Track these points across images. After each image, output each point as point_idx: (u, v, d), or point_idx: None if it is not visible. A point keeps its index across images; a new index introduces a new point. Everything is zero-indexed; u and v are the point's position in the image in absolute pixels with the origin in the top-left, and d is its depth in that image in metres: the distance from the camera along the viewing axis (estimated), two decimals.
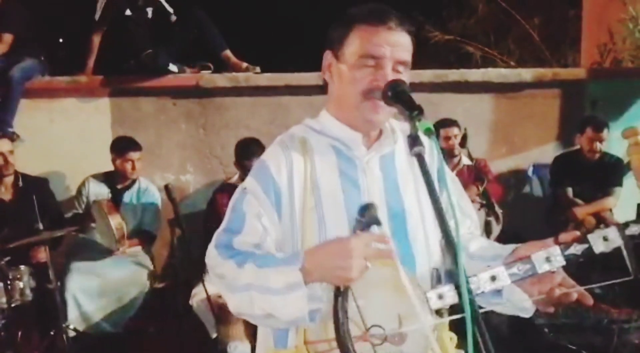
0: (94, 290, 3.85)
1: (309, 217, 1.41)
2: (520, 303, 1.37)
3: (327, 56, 1.46)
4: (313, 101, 4.69)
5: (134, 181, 4.18)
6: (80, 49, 4.84)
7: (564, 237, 1.35)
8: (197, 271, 3.64)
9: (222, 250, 1.39)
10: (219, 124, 4.72)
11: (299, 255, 1.27)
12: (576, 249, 1.31)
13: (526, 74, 4.95)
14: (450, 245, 1.12)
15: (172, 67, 4.51)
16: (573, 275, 1.36)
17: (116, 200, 4.07)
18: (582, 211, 4.30)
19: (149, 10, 4.67)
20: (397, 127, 1.54)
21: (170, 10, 4.64)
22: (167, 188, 3.46)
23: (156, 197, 4.22)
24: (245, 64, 4.73)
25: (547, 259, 1.32)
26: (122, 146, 4.12)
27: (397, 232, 1.42)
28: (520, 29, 9.55)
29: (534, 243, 1.37)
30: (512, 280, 1.30)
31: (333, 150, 1.46)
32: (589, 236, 1.31)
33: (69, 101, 4.63)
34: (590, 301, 1.32)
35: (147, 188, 4.21)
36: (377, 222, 1.21)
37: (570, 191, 4.41)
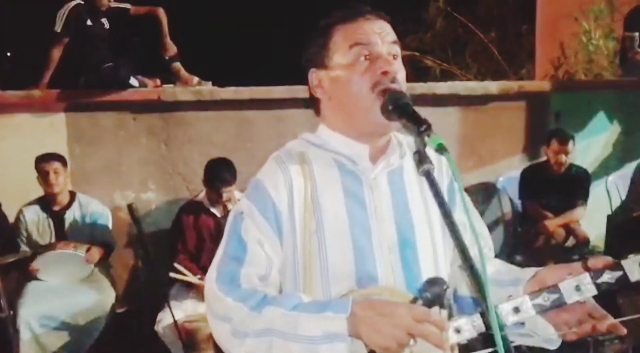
0: (51, 317, 3.61)
1: (310, 242, 1.28)
2: (546, 335, 1.27)
3: (312, 75, 1.36)
4: (279, 115, 4.60)
5: (72, 199, 3.96)
6: (32, 62, 4.61)
7: (593, 262, 1.24)
8: (162, 294, 3.48)
9: (226, 287, 1.25)
10: (182, 139, 4.56)
11: (345, 303, 1.15)
12: (609, 277, 1.21)
13: (492, 86, 4.98)
14: (474, 277, 1.02)
15: (133, 81, 4.33)
16: None
17: (58, 224, 3.87)
18: (552, 223, 4.31)
19: (105, 21, 4.50)
20: (403, 140, 1.42)
21: (128, 6, 4.48)
22: (130, 208, 3.29)
23: (100, 209, 4.03)
24: (196, 79, 4.60)
25: (577, 288, 1.21)
26: (43, 159, 3.86)
27: (407, 255, 1.31)
28: (477, 43, 9.70)
29: (556, 267, 1.28)
30: (537, 311, 1.20)
31: (336, 165, 1.34)
32: (623, 262, 1.21)
33: (22, 117, 4.38)
34: (623, 331, 1.22)
35: (88, 203, 4.01)
36: (442, 303, 1.11)
37: (539, 203, 4.43)
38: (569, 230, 4.36)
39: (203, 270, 3.57)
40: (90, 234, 3.93)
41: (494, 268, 1.40)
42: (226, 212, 3.69)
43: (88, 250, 3.73)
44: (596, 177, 4.79)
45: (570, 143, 4.32)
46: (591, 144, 5.04)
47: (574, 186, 4.40)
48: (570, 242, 4.35)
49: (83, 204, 3.99)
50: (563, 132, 4.38)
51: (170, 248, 3.78)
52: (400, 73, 1.32)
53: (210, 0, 5.00)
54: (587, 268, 1.24)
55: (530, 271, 1.30)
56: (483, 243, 1.46)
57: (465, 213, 1.10)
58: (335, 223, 1.29)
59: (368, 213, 1.30)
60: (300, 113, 4.62)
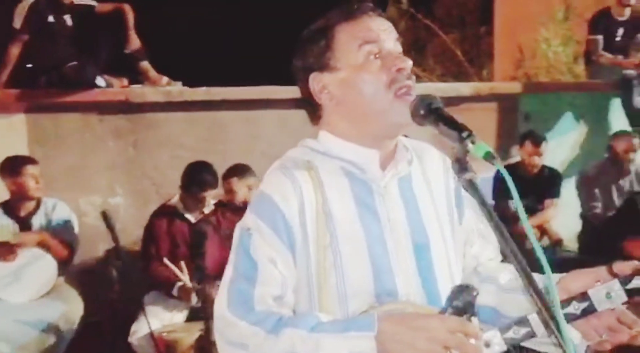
0: (14, 333, 3.40)
1: (325, 257, 1.20)
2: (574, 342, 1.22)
3: (314, 80, 1.26)
4: (252, 117, 4.52)
5: (38, 204, 3.75)
6: None
7: (619, 267, 1.22)
8: (136, 304, 3.33)
9: (239, 310, 1.17)
10: (151, 142, 4.40)
11: (369, 319, 1.09)
12: (637, 282, 1.18)
13: (464, 88, 5.01)
14: (541, 300, 0.98)
15: (100, 81, 4.15)
16: None
17: (24, 230, 3.64)
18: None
19: (68, 17, 4.29)
20: (409, 144, 1.36)
21: (94, 3, 4.29)
22: (104, 215, 3.13)
23: (67, 213, 3.83)
24: (165, 79, 4.46)
25: (607, 295, 1.18)
26: (16, 163, 3.65)
27: (423, 265, 1.26)
28: (438, 44, 9.80)
29: (579, 273, 1.25)
30: (568, 321, 1.16)
31: (344, 173, 1.26)
32: None
33: None
34: None
35: (55, 205, 3.81)
36: (473, 311, 1.06)
37: (512, 204, 4.46)
38: (543, 230, 4.41)
39: (178, 277, 3.44)
40: (56, 238, 3.73)
41: (509, 275, 1.36)
42: (202, 218, 3.57)
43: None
44: (565, 177, 4.87)
45: (544, 144, 4.38)
46: (559, 145, 5.12)
47: (546, 187, 4.46)
48: (544, 242, 4.40)
49: (49, 209, 3.79)
50: (536, 134, 4.43)
51: (142, 254, 3.64)
52: None
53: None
54: (613, 274, 1.22)
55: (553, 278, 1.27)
56: (491, 247, 1.43)
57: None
58: (350, 236, 1.22)
59: (382, 223, 1.25)
60: (273, 114, 4.55)
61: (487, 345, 1.15)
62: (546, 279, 0.99)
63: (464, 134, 1.10)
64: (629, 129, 4.92)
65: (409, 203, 1.29)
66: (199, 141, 4.44)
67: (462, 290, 1.09)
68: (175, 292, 3.39)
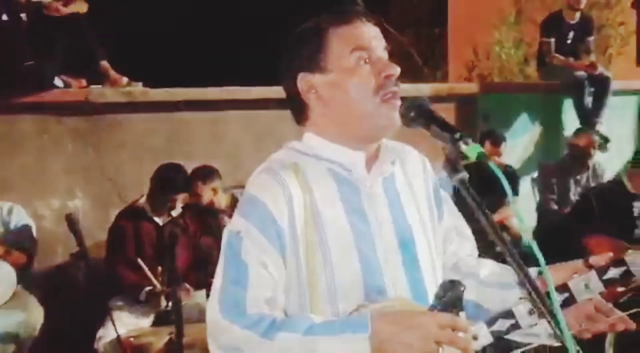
0: None
1: (315, 258, 1.22)
2: (550, 331, 1.27)
3: (303, 80, 1.28)
4: (217, 117, 4.49)
5: None
6: None
7: (595, 259, 1.29)
8: (102, 309, 3.26)
9: (231, 314, 1.17)
10: (112, 144, 4.31)
11: (362, 320, 1.11)
12: (614, 273, 1.26)
13: (424, 88, 5.09)
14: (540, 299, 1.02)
15: (57, 82, 4.04)
16: None
17: None
18: None
19: (23, 16, 4.15)
20: (390, 145, 1.38)
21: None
22: (69, 219, 3.04)
23: (24, 216, 3.73)
24: (125, 79, 4.36)
25: (586, 286, 1.26)
26: None
27: (409, 263, 1.29)
28: (394, 46, 9.90)
29: (558, 266, 1.32)
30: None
31: (330, 175, 1.28)
32: (627, 258, 1.27)
33: None
34: (632, 326, 1.27)
35: (12, 210, 3.70)
36: (461, 306, 1.10)
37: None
38: (503, 227, 4.53)
39: (145, 280, 3.38)
40: (14, 244, 3.59)
41: (489, 269, 1.41)
42: (170, 220, 3.52)
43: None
44: (521, 175, 5.02)
45: (503, 144, 4.50)
46: (516, 144, 5.27)
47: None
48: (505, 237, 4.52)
49: (5, 213, 3.67)
50: (496, 134, 4.55)
51: (107, 257, 3.56)
52: None
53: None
54: (589, 266, 1.29)
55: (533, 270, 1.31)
56: (469, 244, 1.48)
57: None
58: (339, 237, 1.24)
59: (369, 223, 1.27)
60: (238, 115, 4.52)
61: (475, 338, 1.19)
62: (544, 272, 1.04)
63: (457, 135, 1.15)
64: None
65: (394, 202, 1.32)
66: (162, 142, 4.37)
67: (450, 285, 1.12)
68: (142, 296, 3.33)
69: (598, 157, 5.10)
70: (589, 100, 5.40)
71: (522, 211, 4.69)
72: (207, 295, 2.93)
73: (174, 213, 3.55)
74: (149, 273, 3.22)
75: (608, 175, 5.02)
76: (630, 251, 1.30)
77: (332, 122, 1.29)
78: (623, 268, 1.26)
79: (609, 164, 5.44)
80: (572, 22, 5.62)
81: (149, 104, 4.32)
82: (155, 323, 3.42)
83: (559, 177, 4.78)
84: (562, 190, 4.78)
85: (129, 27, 4.79)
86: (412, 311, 1.17)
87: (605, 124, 5.42)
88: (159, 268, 3.21)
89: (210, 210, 3.72)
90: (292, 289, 1.23)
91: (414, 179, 1.38)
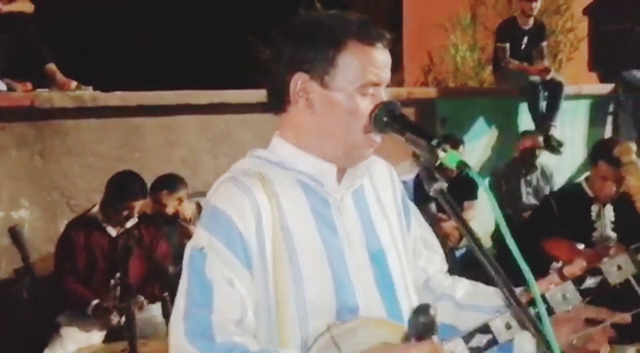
0: None
1: (284, 274, 1.15)
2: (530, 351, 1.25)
3: (299, 80, 1.19)
4: (171, 123, 4.34)
5: None
6: None
7: (570, 270, 1.27)
8: (50, 326, 3.10)
9: (199, 342, 1.08)
10: (60, 150, 4.11)
11: None
12: (591, 282, 1.24)
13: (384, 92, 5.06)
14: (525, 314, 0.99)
15: (1, 85, 3.83)
16: None
17: None
18: (448, 225, 4.47)
19: None
20: None
21: None
22: (12, 232, 2.87)
23: None
24: (74, 83, 4.19)
25: (564, 297, 1.23)
26: None
27: (381, 278, 1.25)
28: None
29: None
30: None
31: (300, 186, 1.22)
32: (602, 267, 1.25)
33: None
34: (628, 319, 1.25)
35: None
36: (435, 329, 1.05)
37: (433, 207, 4.56)
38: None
39: (96, 293, 3.23)
40: None
41: (463, 289, 1.38)
42: (124, 231, 3.37)
43: None
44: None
45: (461, 147, 4.52)
46: (473, 148, 5.31)
47: (465, 189, 4.60)
48: (464, 242, 4.54)
49: None
50: (454, 138, 4.58)
51: (56, 269, 3.38)
52: None
53: None
54: (564, 277, 1.27)
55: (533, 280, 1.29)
56: (438, 257, 1.45)
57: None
58: (310, 251, 1.18)
59: (339, 237, 1.22)
60: (194, 120, 4.40)
61: None
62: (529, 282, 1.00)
63: (434, 142, 1.10)
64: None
65: (363, 215, 1.28)
66: (113, 149, 4.21)
67: (422, 310, 1.08)
68: (89, 311, 3.17)
69: (547, 159, 5.22)
70: (543, 105, 5.50)
71: (481, 215, 4.80)
72: (163, 308, 2.85)
73: (129, 223, 3.39)
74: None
75: (558, 177, 5.16)
76: (606, 259, 1.27)
77: (311, 133, 1.22)
78: (599, 278, 1.24)
79: (561, 166, 5.57)
80: (526, 27, 5.72)
81: (100, 108, 4.14)
82: (108, 339, 3.26)
83: (510, 178, 4.91)
84: (514, 191, 4.88)
85: (78, 28, 4.59)
86: (390, 347, 1.11)
87: (558, 128, 5.52)
88: (111, 281, 3.05)
89: (172, 221, 3.60)
90: (260, 308, 1.16)
91: (382, 190, 1.34)
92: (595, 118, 6.06)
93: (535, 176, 5.00)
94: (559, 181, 5.14)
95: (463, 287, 1.38)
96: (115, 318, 3.15)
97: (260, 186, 1.18)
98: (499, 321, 1.18)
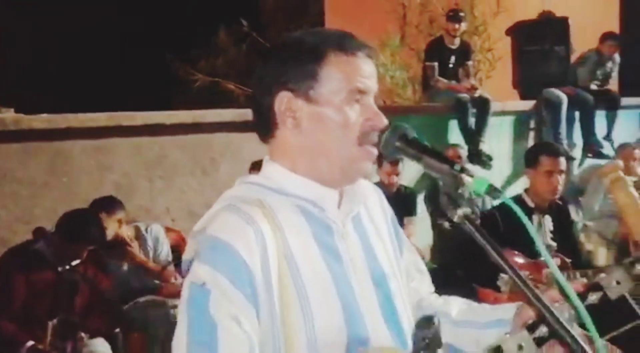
0: None
1: (291, 308, 1.09)
2: None
3: (283, 99, 1.14)
4: (102, 146, 4.16)
5: None
6: None
7: (524, 315, 1.22)
8: None
9: None
10: None
11: None
12: (593, 298, 1.23)
13: None
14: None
15: None
16: None
17: None
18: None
19: None
20: None
21: None
22: None
23: None
24: None
25: (519, 347, 1.16)
26: None
27: (385, 305, 1.21)
28: None
29: (525, 305, 1.25)
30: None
31: (300, 212, 1.16)
32: (602, 282, 1.24)
33: None
34: None
35: None
36: (440, 343, 1.00)
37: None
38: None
39: (31, 333, 2.93)
40: None
41: (457, 307, 1.35)
42: (69, 267, 3.07)
43: None
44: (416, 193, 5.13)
45: (400, 164, 4.56)
46: (408, 163, 5.38)
47: (404, 205, 4.64)
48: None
49: None
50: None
51: None
52: None
53: (12, 17, 4.30)
54: (522, 322, 1.21)
55: (507, 309, 1.26)
56: (427, 279, 1.44)
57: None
58: (318, 282, 1.12)
59: (344, 264, 1.17)
60: (126, 142, 4.20)
61: None
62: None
63: (457, 167, 1.07)
64: (464, 146, 5.39)
65: (363, 239, 1.24)
66: (39, 174, 3.97)
67: (425, 324, 1.03)
68: None
69: (477, 173, 5.36)
70: (472, 121, 5.67)
71: (420, 230, 4.86)
72: (112, 345, 2.65)
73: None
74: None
75: None
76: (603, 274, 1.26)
77: (303, 155, 1.17)
78: (600, 294, 1.23)
79: (490, 179, 5.72)
80: (453, 47, 5.91)
81: (24, 132, 3.90)
82: None
83: (439, 191, 4.97)
84: (446, 203, 5.00)
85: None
86: None
87: (486, 143, 5.71)
88: (54, 320, 2.78)
89: (114, 245, 3.37)
90: (267, 344, 1.08)
91: (375, 215, 1.31)
92: (519, 133, 6.31)
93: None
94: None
95: (457, 304, 1.36)
96: None
97: (262, 214, 1.11)
98: (511, 342, 1.14)
